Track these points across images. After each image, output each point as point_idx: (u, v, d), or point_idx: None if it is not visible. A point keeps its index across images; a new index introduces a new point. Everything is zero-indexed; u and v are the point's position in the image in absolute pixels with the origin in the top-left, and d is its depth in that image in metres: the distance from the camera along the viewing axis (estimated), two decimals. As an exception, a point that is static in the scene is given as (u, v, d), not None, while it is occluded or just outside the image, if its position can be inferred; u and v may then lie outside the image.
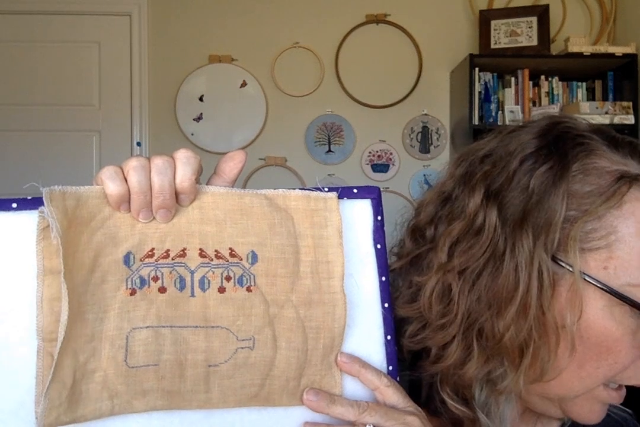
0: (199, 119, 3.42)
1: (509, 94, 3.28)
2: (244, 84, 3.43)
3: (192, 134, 3.40)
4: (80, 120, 3.42)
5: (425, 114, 3.46)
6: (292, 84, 3.44)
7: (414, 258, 0.66)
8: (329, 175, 3.44)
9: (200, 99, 3.42)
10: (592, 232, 0.57)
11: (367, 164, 3.46)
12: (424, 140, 3.46)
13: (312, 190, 0.56)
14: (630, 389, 0.66)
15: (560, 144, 0.60)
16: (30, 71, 3.38)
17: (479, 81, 3.21)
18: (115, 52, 3.41)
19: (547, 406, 0.64)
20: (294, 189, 0.57)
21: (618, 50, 3.12)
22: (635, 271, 0.56)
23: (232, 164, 0.56)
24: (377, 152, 3.46)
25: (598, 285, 0.56)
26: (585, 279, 0.56)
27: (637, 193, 0.57)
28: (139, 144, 3.41)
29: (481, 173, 0.62)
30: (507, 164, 0.61)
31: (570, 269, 0.56)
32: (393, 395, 0.57)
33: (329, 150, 3.46)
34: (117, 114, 3.42)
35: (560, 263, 0.57)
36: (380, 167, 3.45)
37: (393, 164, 3.46)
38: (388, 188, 3.39)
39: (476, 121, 3.13)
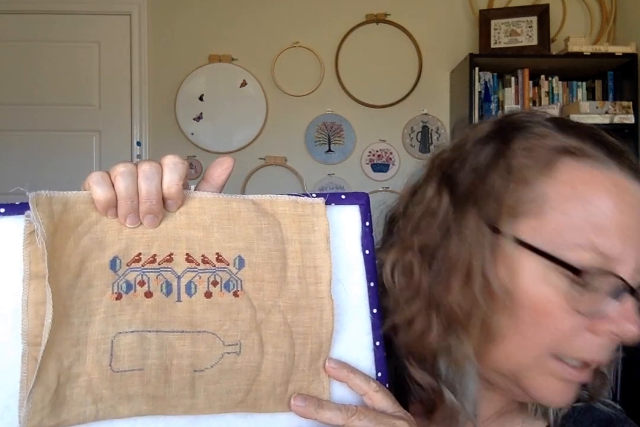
0: (199, 118, 3.42)
1: (509, 93, 3.27)
2: (244, 84, 3.43)
3: (192, 134, 3.40)
4: (80, 120, 3.42)
5: (425, 114, 3.46)
6: (292, 84, 3.44)
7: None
8: (329, 174, 3.44)
9: (200, 98, 3.42)
10: (525, 200, 0.59)
11: (367, 163, 3.46)
12: (424, 140, 3.46)
13: (300, 195, 0.56)
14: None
15: (509, 127, 0.64)
16: (30, 71, 3.38)
17: (479, 81, 3.20)
18: (115, 52, 3.42)
19: (509, 386, 0.64)
20: (281, 194, 0.57)
21: (618, 50, 3.12)
22: (567, 235, 0.58)
23: (220, 170, 0.56)
24: (377, 151, 3.46)
25: (532, 250, 0.58)
26: (520, 245, 0.58)
27: (570, 161, 0.60)
28: (139, 143, 3.41)
29: (440, 160, 0.66)
30: (462, 149, 0.65)
31: (507, 236, 0.59)
32: (382, 400, 0.56)
33: (329, 150, 3.46)
34: (117, 114, 3.42)
35: (498, 232, 0.59)
36: (380, 167, 3.45)
37: (393, 164, 3.46)
38: (388, 188, 3.39)
39: (476, 121, 3.12)
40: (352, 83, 3.44)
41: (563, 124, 0.64)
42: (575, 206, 0.58)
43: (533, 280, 0.58)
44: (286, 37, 3.42)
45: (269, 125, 3.45)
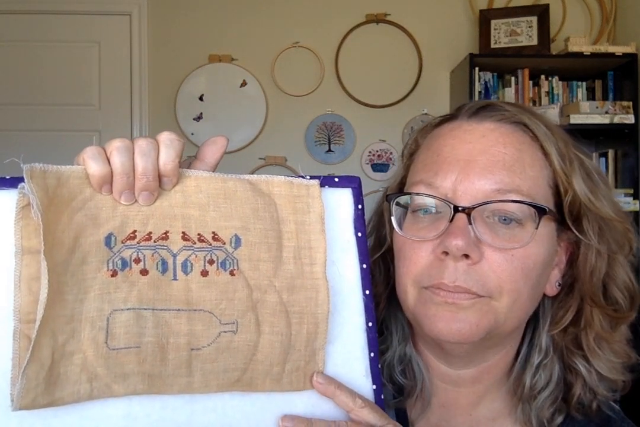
0: (199, 118, 3.42)
1: (509, 93, 3.27)
2: (244, 84, 3.43)
3: (192, 134, 3.40)
4: (80, 120, 3.42)
5: (426, 114, 3.45)
6: (292, 84, 3.43)
7: None
8: (329, 174, 3.42)
9: (201, 98, 3.42)
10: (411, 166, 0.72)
11: (367, 163, 3.45)
12: (424, 140, 3.45)
13: (295, 177, 0.57)
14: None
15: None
16: (30, 71, 3.38)
17: (479, 81, 3.21)
18: (115, 52, 3.42)
19: (422, 332, 0.69)
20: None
21: (618, 49, 3.12)
22: (411, 178, 0.69)
23: (214, 149, 0.56)
24: (377, 151, 3.46)
25: (387, 199, 0.69)
26: (386, 201, 0.70)
27: (436, 129, 0.71)
28: (138, 143, 3.40)
29: None
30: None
31: (387, 200, 0.70)
32: (369, 415, 0.57)
33: (329, 150, 3.45)
34: (117, 114, 3.42)
35: (388, 200, 0.70)
36: (380, 167, 3.45)
37: (393, 164, 3.45)
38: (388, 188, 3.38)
39: (476, 121, 3.12)
40: (352, 83, 3.44)
41: (462, 106, 0.73)
42: (420, 156, 0.70)
43: (390, 225, 0.69)
44: (286, 37, 3.42)
45: (269, 125, 3.45)
